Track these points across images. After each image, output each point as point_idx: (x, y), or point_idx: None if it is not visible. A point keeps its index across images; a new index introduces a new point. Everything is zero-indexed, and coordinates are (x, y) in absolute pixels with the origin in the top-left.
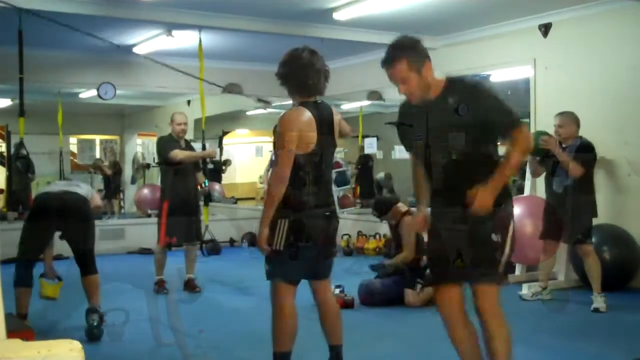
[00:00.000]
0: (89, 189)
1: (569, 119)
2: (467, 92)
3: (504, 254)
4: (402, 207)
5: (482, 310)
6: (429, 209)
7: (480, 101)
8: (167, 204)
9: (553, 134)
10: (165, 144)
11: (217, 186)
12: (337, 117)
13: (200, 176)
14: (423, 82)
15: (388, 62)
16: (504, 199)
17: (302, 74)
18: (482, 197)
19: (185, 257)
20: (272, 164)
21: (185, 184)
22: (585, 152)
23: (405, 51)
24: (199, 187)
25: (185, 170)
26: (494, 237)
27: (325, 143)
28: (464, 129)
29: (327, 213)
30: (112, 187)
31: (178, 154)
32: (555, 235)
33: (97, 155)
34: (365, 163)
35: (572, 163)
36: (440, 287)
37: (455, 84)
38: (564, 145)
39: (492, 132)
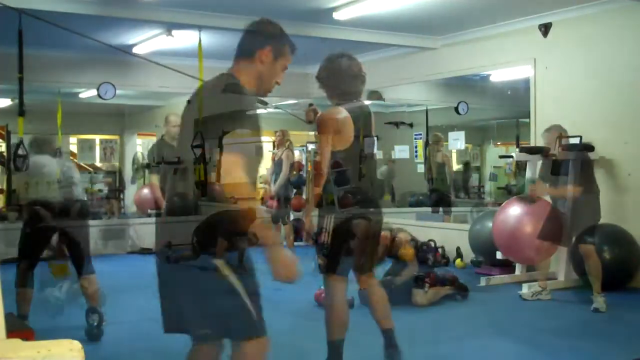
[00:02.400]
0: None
1: (554, 135)
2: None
3: None
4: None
5: None
6: None
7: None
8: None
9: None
10: (153, 148)
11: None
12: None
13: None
14: None
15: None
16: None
17: (338, 80)
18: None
19: None
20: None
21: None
22: (583, 156)
23: None
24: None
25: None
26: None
27: (364, 140)
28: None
29: (371, 208)
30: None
31: None
32: (553, 237)
33: (97, 155)
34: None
35: (572, 189)
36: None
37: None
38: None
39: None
